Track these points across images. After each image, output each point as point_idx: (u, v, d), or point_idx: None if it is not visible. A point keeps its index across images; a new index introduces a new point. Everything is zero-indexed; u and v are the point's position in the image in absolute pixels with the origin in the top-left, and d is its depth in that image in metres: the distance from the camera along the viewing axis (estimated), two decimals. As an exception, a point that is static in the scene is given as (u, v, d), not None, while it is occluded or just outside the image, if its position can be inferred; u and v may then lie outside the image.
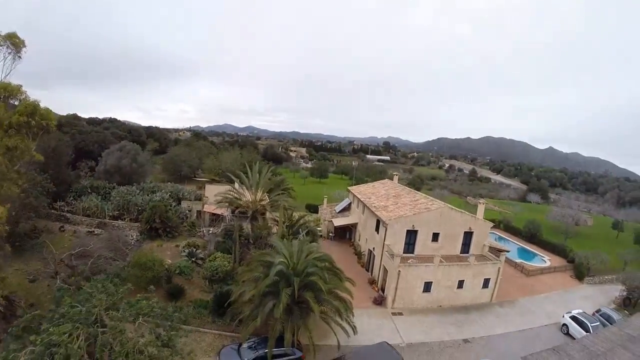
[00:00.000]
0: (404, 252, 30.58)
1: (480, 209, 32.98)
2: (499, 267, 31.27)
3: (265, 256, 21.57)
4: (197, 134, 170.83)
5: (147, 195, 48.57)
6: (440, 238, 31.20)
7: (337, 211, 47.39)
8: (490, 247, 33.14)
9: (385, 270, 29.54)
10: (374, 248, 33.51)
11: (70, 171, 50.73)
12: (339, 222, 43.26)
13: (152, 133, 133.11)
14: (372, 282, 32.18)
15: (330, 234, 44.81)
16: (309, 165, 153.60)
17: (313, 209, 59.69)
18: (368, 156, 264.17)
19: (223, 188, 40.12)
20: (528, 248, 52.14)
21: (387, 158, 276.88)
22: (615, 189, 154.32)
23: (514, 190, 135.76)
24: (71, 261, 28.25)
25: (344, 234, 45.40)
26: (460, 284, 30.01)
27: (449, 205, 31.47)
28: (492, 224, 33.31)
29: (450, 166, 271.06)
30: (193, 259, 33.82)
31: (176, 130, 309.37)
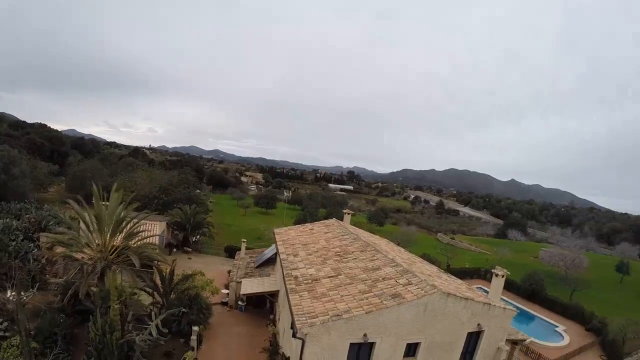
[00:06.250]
0: (344, 386, 13.90)
1: (497, 285, 16.98)
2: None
3: None
4: (137, 150, 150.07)
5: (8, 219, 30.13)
6: (420, 351, 14.79)
7: (255, 265, 30.17)
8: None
9: None
10: (289, 357, 16.44)
11: None
12: (249, 287, 25.86)
13: (83, 144, 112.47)
14: None
15: (240, 303, 27.28)
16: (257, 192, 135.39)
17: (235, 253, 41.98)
18: (330, 185, 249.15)
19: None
20: (530, 311, 37.71)
21: (350, 187, 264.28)
22: (591, 220, 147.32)
23: (490, 226, 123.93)
24: None
25: (264, 301, 28.03)
26: None
27: (443, 288, 15.02)
28: (514, 313, 17.36)
29: (416, 197, 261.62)
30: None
31: (137, 149, 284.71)
